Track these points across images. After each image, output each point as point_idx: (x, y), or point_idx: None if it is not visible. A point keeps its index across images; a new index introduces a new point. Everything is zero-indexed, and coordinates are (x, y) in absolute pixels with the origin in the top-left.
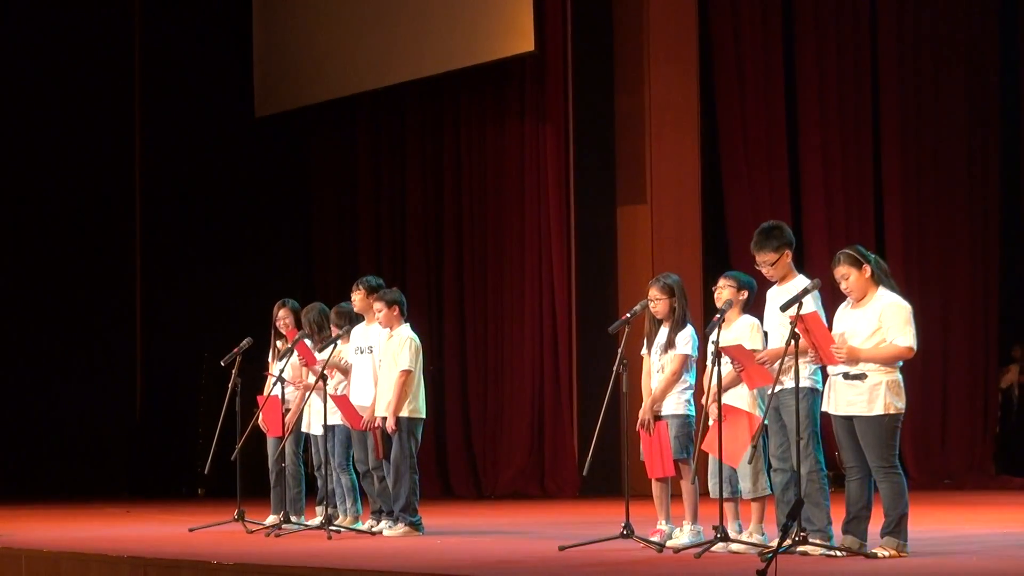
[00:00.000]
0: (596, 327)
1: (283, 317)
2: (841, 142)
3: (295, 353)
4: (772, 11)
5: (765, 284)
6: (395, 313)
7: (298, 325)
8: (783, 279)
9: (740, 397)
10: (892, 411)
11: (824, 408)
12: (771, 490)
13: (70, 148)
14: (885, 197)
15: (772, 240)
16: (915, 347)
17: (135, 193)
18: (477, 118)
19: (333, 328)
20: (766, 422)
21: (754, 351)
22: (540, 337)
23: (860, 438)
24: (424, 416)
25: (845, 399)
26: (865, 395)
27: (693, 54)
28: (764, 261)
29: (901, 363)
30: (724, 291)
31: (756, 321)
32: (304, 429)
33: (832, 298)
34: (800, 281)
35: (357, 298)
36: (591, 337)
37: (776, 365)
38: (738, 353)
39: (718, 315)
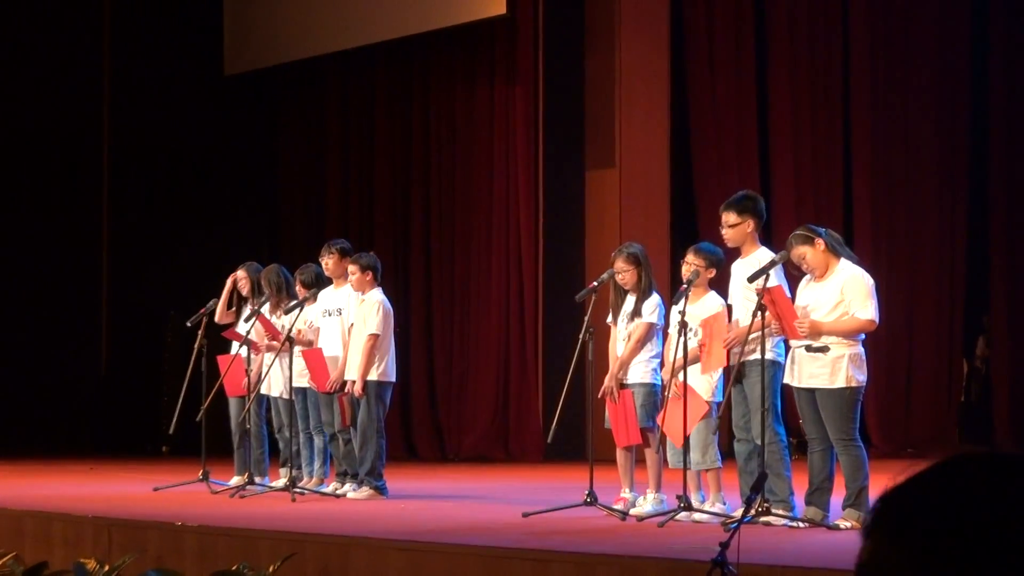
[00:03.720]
0: (563, 293)
1: (240, 278)
2: (812, 117)
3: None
4: None
5: (731, 257)
6: (368, 278)
7: (256, 288)
8: (744, 250)
9: (697, 375)
10: (853, 384)
11: (786, 380)
12: (720, 462)
13: (36, 104)
14: (854, 172)
15: (741, 204)
16: (876, 320)
17: (102, 149)
18: (447, 81)
19: (299, 291)
20: (717, 401)
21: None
22: (507, 301)
23: (821, 410)
24: (393, 380)
25: (807, 372)
26: (827, 368)
27: (664, 19)
28: (726, 221)
29: (863, 336)
30: (692, 267)
31: (722, 303)
32: (264, 391)
33: (796, 277)
34: (763, 254)
35: (330, 262)
36: (558, 303)
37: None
38: (713, 329)
39: (684, 286)
